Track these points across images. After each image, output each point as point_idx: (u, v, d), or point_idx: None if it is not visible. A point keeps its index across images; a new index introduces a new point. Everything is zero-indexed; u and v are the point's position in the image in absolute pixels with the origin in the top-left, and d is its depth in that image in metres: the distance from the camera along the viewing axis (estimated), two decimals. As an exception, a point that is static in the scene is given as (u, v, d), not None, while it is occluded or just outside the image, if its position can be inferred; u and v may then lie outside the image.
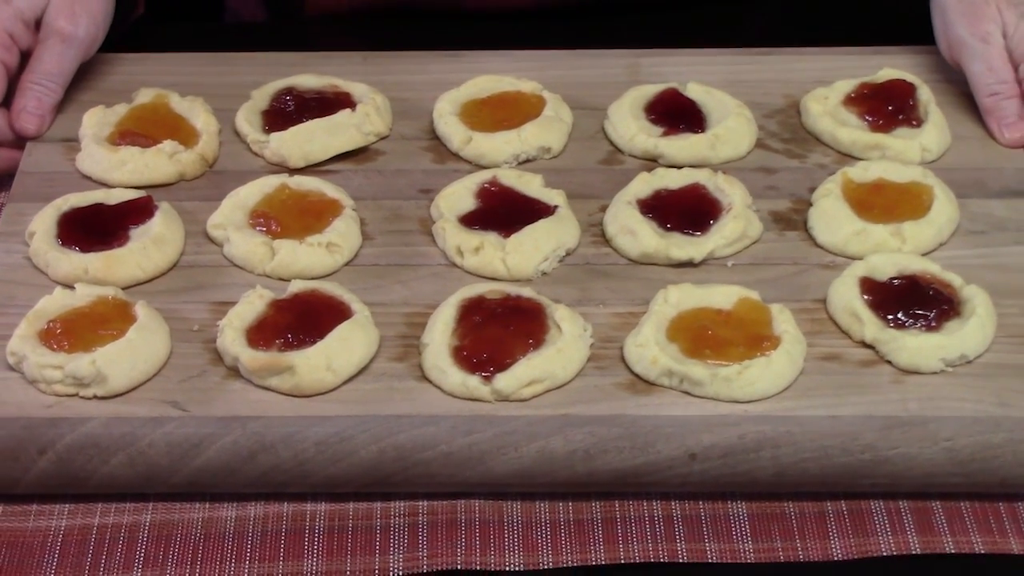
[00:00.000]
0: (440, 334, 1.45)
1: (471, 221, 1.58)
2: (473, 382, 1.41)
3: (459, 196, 1.61)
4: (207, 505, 1.42)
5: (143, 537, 1.39)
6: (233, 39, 1.99)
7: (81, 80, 1.77)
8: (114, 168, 1.64)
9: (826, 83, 1.78)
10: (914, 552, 1.38)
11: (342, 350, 1.43)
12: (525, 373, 1.41)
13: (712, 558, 1.37)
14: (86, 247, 1.54)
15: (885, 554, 1.38)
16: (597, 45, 1.86)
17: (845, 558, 1.38)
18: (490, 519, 1.40)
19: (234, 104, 1.75)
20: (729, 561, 1.37)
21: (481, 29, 1.91)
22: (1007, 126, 1.71)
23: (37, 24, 1.73)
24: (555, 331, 1.46)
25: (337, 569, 1.37)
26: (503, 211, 1.59)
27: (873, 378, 1.44)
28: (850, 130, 1.70)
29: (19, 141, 1.71)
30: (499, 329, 1.45)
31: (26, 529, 1.39)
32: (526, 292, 1.50)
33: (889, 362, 1.45)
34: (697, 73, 1.80)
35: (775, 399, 1.42)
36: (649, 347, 1.43)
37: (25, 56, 1.74)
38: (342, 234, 1.56)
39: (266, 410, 1.40)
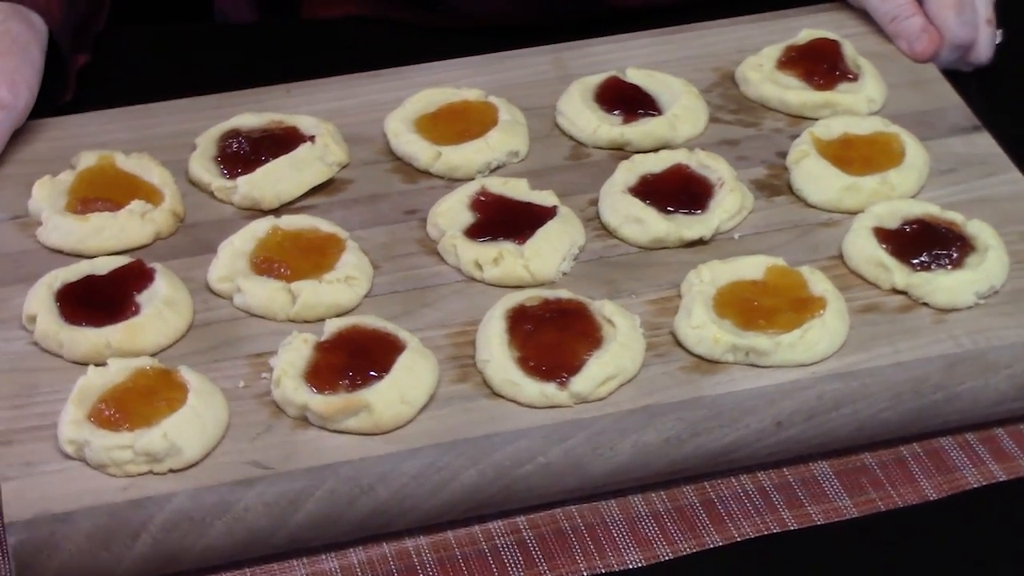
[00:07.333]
0: (498, 348, 1.43)
1: (476, 233, 1.56)
2: (550, 389, 1.40)
3: (455, 211, 1.59)
4: (305, 560, 1.37)
5: (251, 605, 1.34)
6: (219, 42, 1.94)
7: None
8: (88, 236, 1.56)
9: (750, 52, 1.80)
10: (999, 479, 1.43)
11: (411, 380, 1.39)
12: (599, 372, 1.40)
13: (819, 519, 1.39)
14: (96, 321, 1.46)
15: (974, 486, 1.42)
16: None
17: (940, 497, 1.41)
18: (592, 522, 1.39)
19: (176, 155, 1.67)
20: (835, 520, 1.39)
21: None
22: (914, 41, 1.78)
23: None
24: (607, 326, 1.46)
25: (462, 598, 1.34)
26: (506, 219, 1.57)
27: (915, 321, 1.48)
28: (798, 92, 1.73)
29: None
30: (555, 333, 1.44)
31: (129, 620, 1.32)
32: (563, 293, 1.49)
33: (925, 304, 1.49)
34: (622, 59, 1.80)
35: (836, 357, 1.44)
36: (707, 327, 1.44)
37: None
38: (356, 266, 1.52)
39: (350, 453, 1.36)
